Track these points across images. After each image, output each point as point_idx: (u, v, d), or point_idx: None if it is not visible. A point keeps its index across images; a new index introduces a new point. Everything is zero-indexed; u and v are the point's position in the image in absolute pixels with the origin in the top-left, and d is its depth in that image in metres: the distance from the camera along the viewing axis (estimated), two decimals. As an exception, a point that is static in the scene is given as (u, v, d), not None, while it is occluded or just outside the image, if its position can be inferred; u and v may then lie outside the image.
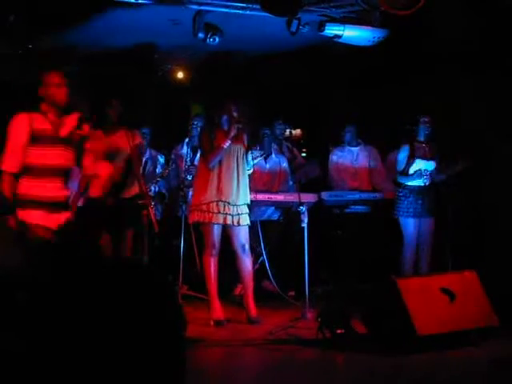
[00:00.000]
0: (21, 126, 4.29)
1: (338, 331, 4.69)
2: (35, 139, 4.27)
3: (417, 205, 6.22)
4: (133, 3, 5.60)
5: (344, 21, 5.90)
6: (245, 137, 5.60)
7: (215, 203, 5.39)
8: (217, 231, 5.45)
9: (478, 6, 5.66)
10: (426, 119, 6.20)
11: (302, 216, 5.66)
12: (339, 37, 5.89)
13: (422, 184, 6.23)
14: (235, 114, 5.46)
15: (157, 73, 7.75)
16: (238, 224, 5.43)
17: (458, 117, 6.42)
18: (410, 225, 6.26)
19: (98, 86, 7.02)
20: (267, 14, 5.62)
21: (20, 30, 5.95)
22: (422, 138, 6.24)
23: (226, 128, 5.50)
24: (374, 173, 7.09)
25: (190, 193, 6.28)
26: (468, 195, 6.46)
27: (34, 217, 4.23)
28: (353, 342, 4.61)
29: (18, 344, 1.57)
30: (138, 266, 3.56)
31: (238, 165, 5.49)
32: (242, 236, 5.50)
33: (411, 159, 6.20)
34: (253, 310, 5.55)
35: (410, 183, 6.25)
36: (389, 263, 6.28)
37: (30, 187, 4.26)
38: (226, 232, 5.53)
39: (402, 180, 6.29)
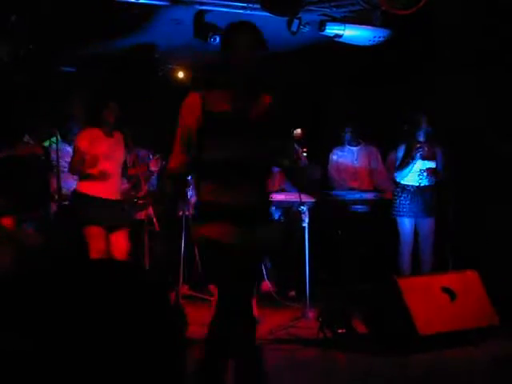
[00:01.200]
0: (191, 109, 3.07)
1: (339, 331, 4.69)
2: (213, 126, 3.03)
3: (413, 204, 6.21)
4: (134, 3, 5.60)
5: (345, 20, 5.90)
6: None
7: None
8: None
9: (478, 5, 5.66)
10: (425, 118, 6.19)
11: (303, 216, 5.67)
12: (340, 36, 5.89)
13: (417, 184, 6.23)
14: None
15: (157, 73, 7.75)
16: None
17: (458, 116, 6.41)
18: (405, 224, 6.25)
19: (97, 87, 7.03)
20: (268, 14, 5.63)
21: (21, 31, 5.95)
22: (420, 138, 6.22)
23: None
24: (375, 173, 7.08)
25: (189, 193, 6.32)
26: (468, 195, 6.44)
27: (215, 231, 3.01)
28: (354, 342, 4.62)
29: (24, 344, 1.57)
30: (135, 267, 3.55)
31: None
32: None
33: (408, 158, 6.19)
34: (254, 309, 5.54)
35: (405, 182, 6.24)
36: (389, 263, 6.27)
37: (210, 191, 3.05)
38: None
39: (397, 176, 6.27)
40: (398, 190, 6.29)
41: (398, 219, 6.28)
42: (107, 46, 6.85)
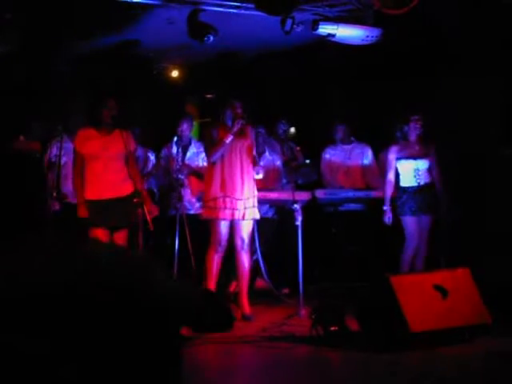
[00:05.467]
0: None
1: (332, 328, 4.71)
2: None
3: (415, 203, 6.19)
4: (128, 2, 5.61)
5: (337, 20, 5.92)
6: (250, 133, 5.63)
7: (221, 199, 5.44)
8: (224, 228, 5.48)
9: (476, 5, 5.68)
10: (417, 118, 6.19)
11: (296, 214, 5.68)
12: (333, 36, 5.91)
13: (416, 184, 6.23)
14: (239, 110, 5.51)
15: (151, 71, 7.77)
16: (243, 218, 5.48)
17: (456, 117, 6.43)
18: (410, 223, 6.21)
19: (94, 85, 7.03)
20: (261, 13, 5.64)
21: (16, 29, 5.95)
22: (413, 137, 6.22)
23: (229, 124, 5.54)
24: (368, 171, 7.10)
25: (183, 192, 6.35)
26: (466, 194, 6.46)
27: None
28: (346, 340, 4.63)
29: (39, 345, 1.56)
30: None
31: (241, 160, 5.53)
32: (244, 230, 5.54)
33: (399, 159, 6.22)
34: (247, 307, 5.57)
35: (404, 185, 6.24)
36: (382, 260, 6.29)
37: None
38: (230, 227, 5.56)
39: (386, 188, 6.28)
40: (400, 192, 6.26)
41: (403, 218, 6.25)
42: (100, 44, 6.85)
